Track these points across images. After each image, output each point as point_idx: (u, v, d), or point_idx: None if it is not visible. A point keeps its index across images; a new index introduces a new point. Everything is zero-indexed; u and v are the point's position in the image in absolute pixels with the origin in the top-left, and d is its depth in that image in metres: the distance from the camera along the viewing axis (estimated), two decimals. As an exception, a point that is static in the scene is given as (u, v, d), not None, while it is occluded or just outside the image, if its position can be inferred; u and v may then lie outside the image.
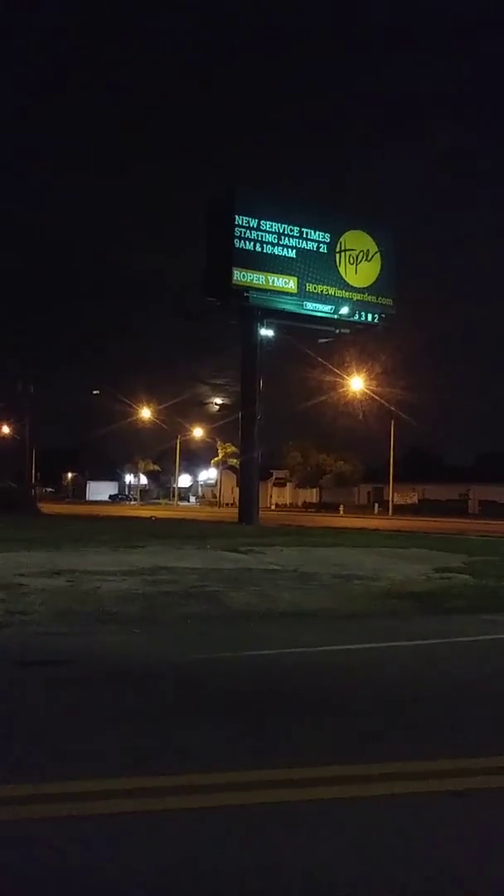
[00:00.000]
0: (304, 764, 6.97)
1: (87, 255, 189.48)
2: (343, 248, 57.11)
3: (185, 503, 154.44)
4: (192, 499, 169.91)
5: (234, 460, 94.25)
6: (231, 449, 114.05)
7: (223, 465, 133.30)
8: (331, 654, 12.12)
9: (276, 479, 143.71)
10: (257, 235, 53.17)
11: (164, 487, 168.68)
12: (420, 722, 8.50)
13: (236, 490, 70.41)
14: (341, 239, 57.27)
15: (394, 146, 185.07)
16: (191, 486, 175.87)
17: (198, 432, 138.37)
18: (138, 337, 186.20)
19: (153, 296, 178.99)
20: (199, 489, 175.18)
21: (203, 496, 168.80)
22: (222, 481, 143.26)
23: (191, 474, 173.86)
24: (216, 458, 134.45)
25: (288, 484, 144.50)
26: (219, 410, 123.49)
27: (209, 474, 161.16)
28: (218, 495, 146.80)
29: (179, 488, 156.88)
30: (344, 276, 56.73)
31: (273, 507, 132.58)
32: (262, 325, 54.62)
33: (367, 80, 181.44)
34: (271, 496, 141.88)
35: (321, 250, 56.18)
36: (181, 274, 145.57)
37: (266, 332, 55.03)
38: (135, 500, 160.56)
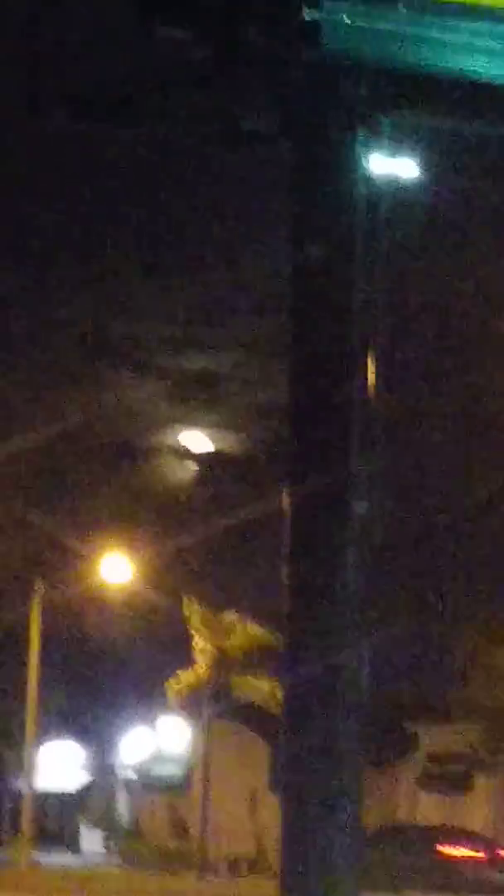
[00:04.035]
0: None
1: None
2: None
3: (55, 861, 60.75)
4: (86, 839, 73.98)
5: (261, 685, 55.76)
6: (239, 632, 55.76)
7: (208, 706, 58.78)
8: None
9: (431, 759, 60.82)
10: None
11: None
12: None
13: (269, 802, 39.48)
14: None
15: None
16: (84, 790, 76.41)
17: (115, 573, 56.86)
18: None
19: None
20: (122, 804, 76.21)
21: (135, 823, 72.78)
22: (208, 761, 58.00)
23: (88, 742, 75.88)
24: (180, 680, 58.83)
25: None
26: (195, 484, 55.41)
27: (153, 737, 72.98)
28: (200, 817, 58.72)
29: (45, 798, 68.73)
30: None
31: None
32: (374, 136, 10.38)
33: None
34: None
35: None
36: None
37: (383, 166, 10.38)
38: None
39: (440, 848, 44.42)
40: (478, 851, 44.63)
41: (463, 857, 43.69)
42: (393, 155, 10.20)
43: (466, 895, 40.63)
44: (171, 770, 75.17)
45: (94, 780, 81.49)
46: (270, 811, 49.62)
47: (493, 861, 44.07)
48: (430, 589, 63.13)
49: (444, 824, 51.78)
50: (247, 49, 9.16)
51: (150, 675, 66.83)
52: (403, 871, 41.88)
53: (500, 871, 42.98)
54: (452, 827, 50.63)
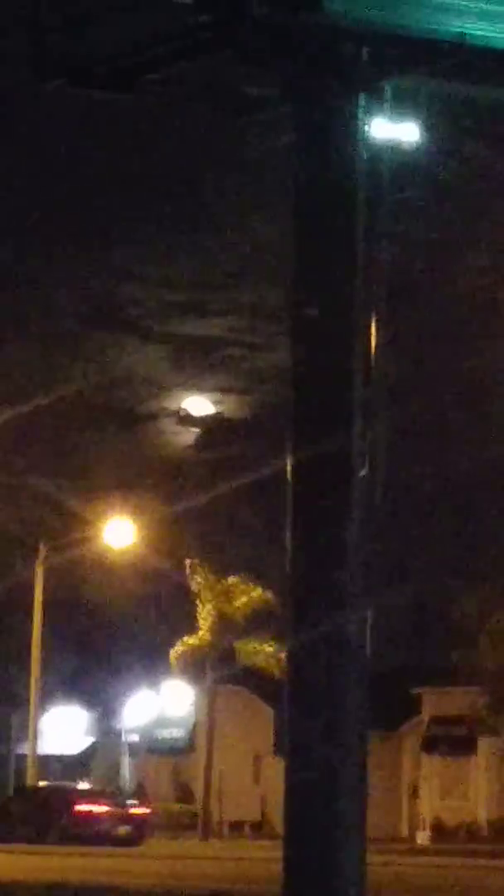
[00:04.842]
0: None
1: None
2: None
3: None
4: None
5: (265, 648, 58.00)
6: (241, 594, 57.82)
7: (212, 670, 59.59)
8: None
9: (434, 722, 61.89)
10: None
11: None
12: None
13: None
14: None
15: None
16: (88, 753, 77.89)
17: (118, 537, 56.86)
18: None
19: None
20: (126, 768, 75.53)
21: (139, 786, 68.79)
22: (213, 725, 59.68)
23: (93, 706, 78.89)
24: (185, 643, 59.09)
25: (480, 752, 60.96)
26: (197, 447, 60.87)
27: (157, 700, 74.52)
28: (203, 780, 59.44)
29: (49, 762, 69.62)
30: None
31: (426, 830, 60.11)
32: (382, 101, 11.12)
33: None
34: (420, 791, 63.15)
35: None
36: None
37: (385, 130, 11.18)
38: None
39: (77, 806, 50.73)
40: (110, 808, 51.40)
41: (96, 813, 50.60)
42: (395, 119, 10.12)
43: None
44: (175, 734, 75.19)
45: (98, 744, 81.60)
46: (274, 774, 50.44)
47: (123, 817, 50.95)
48: (436, 553, 63.18)
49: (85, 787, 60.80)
50: (248, 14, 9.08)
51: (154, 638, 66.97)
52: (43, 826, 49.77)
53: (129, 825, 50.21)
54: (88, 788, 60.02)
